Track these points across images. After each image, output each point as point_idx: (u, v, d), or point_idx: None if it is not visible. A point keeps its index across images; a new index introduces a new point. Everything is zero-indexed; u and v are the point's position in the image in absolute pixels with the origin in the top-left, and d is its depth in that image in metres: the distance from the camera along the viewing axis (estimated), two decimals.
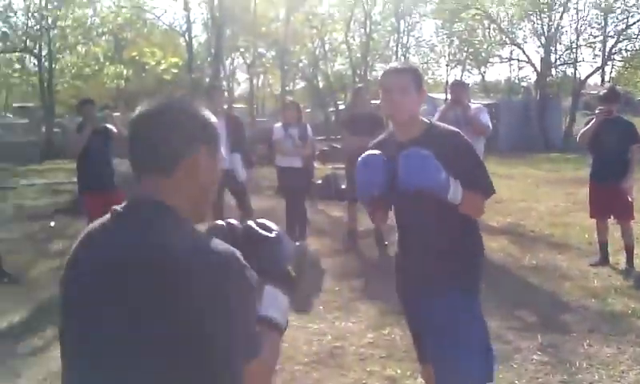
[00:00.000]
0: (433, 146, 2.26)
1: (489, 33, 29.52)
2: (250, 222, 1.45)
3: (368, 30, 31.73)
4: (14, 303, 5.13)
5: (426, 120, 2.49)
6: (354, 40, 33.96)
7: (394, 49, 35.33)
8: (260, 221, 1.48)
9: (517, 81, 37.71)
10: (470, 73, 37.66)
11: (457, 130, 2.50)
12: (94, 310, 1.16)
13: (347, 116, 7.90)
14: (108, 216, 1.27)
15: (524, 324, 4.39)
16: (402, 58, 35.47)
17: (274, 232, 1.46)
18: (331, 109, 36.36)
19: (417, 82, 2.41)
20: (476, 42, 30.20)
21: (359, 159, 2.40)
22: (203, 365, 1.11)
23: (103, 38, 22.93)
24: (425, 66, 39.16)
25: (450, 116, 6.21)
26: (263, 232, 1.45)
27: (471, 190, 2.32)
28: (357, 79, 32.26)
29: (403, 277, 2.60)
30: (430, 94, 38.29)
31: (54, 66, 21.11)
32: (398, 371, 3.66)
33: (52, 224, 8.63)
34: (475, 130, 6.11)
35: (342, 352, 3.97)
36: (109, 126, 6.23)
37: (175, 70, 19.88)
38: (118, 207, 1.26)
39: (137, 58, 20.30)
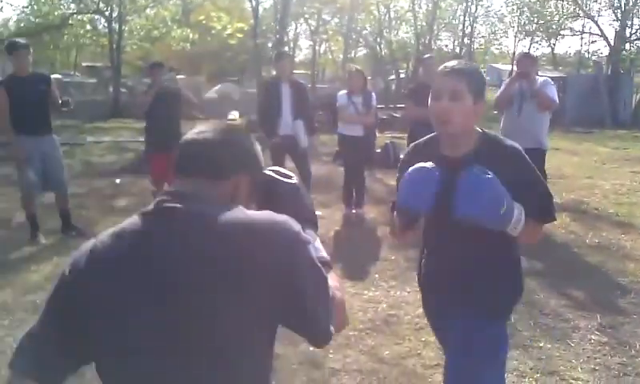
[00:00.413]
0: (490, 163, 1.94)
1: (562, 5, 28.36)
2: (270, 172, 1.56)
3: None
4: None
5: (478, 130, 2.12)
6: (420, 8, 33.28)
7: (462, 18, 34.45)
8: (275, 168, 1.59)
9: (587, 55, 36.23)
10: (539, 45, 36.42)
11: (515, 144, 2.13)
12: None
13: (412, 85, 7.81)
14: (136, 219, 1.33)
15: (584, 303, 4.31)
16: (470, 27, 34.61)
17: (294, 177, 1.57)
18: (392, 77, 35.95)
19: (475, 87, 2.02)
20: (547, 13, 29.09)
21: (410, 169, 2.05)
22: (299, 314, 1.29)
23: (171, 1, 23.27)
24: (492, 36, 38.15)
25: (514, 88, 6.08)
26: (287, 180, 1.55)
27: (532, 215, 2.02)
28: (421, 48, 31.70)
29: (429, 296, 2.41)
30: (494, 65, 37.25)
31: (123, 27, 21.61)
32: None
33: (117, 181, 8.95)
34: (541, 104, 5.95)
35: (396, 320, 4.01)
36: (179, 88, 6.37)
37: (240, 35, 20.02)
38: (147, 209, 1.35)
39: (203, 21, 20.54)
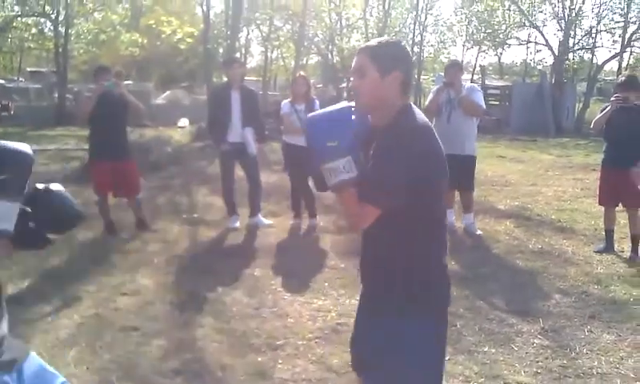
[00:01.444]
0: (393, 136, 1.97)
1: (509, 14, 29.20)
2: None
3: (386, 6, 31.42)
4: (23, 269, 5.16)
5: (404, 104, 2.08)
6: (372, 16, 33.68)
7: (412, 27, 34.99)
8: None
9: (533, 63, 37.39)
10: (486, 53, 37.38)
11: (419, 127, 2.03)
12: None
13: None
14: None
15: (527, 308, 4.42)
16: (419, 36, 35.18)
17: None
18: (343, 85, 36.18)
19: (381, 61, 2.02)
20: (495, 22, 29.90)
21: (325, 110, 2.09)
22: None
23: (120, 5, 22.87)
24: (441, 45, 38.93)
25: (442, 97, 6.29)
26: None
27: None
28: None
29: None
30: (442, 74, 38.09)
31: (70, 31, 21.10)
32: None
33: None
34: (466, 110, 6.15)
35: (346, 329, 4.00)
36: (124, 93, 6.18)
37: (190, 40, 19.83)
38: None
39: (153, 26, 20.25)
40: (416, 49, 36.00)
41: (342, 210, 2.13)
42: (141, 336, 3.87)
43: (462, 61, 32.93)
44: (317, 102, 6.75)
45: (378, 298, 2.12)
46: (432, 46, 39.06)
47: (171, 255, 5.61)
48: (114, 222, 6.36)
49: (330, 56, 35.51)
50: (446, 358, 3.56)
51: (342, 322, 4.13)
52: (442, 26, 37.62)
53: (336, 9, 30.88)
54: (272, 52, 35.58)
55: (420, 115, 2.07)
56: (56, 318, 4.17)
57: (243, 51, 30.02)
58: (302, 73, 7.73)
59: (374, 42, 2.14)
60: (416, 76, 37.51)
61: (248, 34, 33.32)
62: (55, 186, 1.96)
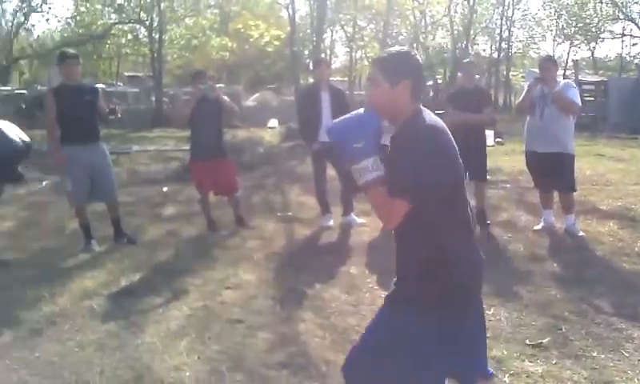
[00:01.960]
0: (403, 141, 2.15)
1: (600, 7, 27.87)
2: None
3: (472, 2, 30.78)
4: (134, 263, 5.51)
5: (416, 110, 2.22)
6: (457, 13, 33.10)
7: (498, 22, 34.14)
8: None
9: (629, 58, 35.44)
10: (579, 48, 35.81)
11: (424, 128, 2.16)
12: None
13: (452, 91, 7.77)
14: None
15: (636, 312, 4.23)
16: (507, 31, 34.24)
17: None
18: (429, 83, 35.74)
19: (388, 72, 2.20)
20: (586, 16, 28.61)
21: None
22: None
23: (209, 10, 23.65)
24: (530, 40, 37.68)
25: (536, 92, 6.10)
26: None
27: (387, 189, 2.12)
28: (457, 53, 31.47)
29: None
30: (534, 69, 36.96)
31: (163, 37, 22.04)
32: (505, 352, 3.65)
33: (165, 189, 9.14)
34: (560, 107, 5.92)
35: None
36: (220, 96, 6.41)
37: (277, 43, 20.23)
38: None
39: (241, 30, 20.83)
40: (504, 45, 35.09)
41: (374, 207, 2.23)
42: (246, 329, 4.02)
43: (554, 56, 31.78)
44: None
45: (396, 288, 2.34)
46: (520, 41, 37.91)
47: (269, 252, 5.78)
48: (215, 220, 6.62)
49: None
50: (543, 362, 3.51)
51: None
52: (530, 20, 36.35)
53: (420, 7, 30.55)
54: (356, 52, 35.70)
55: (430, 117, 2.20)
56: (166, 309, 4.39)
57: (328, 52, 30.30)
58: None
59: (384, 53, 2.34)
60: (504, 72, 36.58)
61: (332, 34, 33.65)
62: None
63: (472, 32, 32.55)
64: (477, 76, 8.31)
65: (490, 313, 4.26)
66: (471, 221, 2.29)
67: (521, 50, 37.82)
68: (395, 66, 2.23)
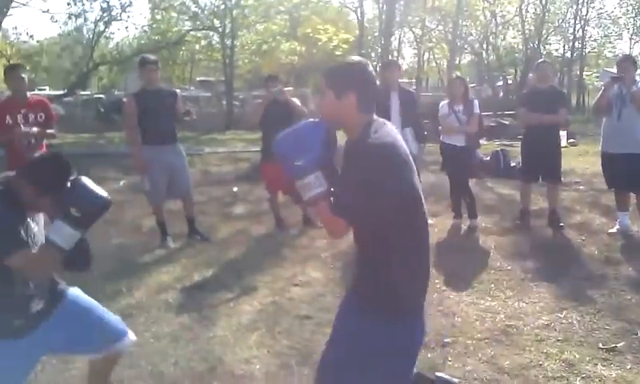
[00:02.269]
0: (350, 157, 2.18)
1: None
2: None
3: (544, 1, 29.92)
4: (206, 259, 5.69)
5: (367, 125, 2.18)
6: (528, 12, 32.25)
7: (572, 21, 33.00)
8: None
9: None
10: None
11: (374, 144, 2.11)
12: None
13: (526, 91, 7.60)
14: None
15: None
16: (581, 30, 33.06)
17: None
18: (499, 83, 34.97)
19: (334, 84, 2.20)
20: None
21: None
22: None
23: (279, 16, 24.03)
24: (605, 39, 36.21)
25: (613, 92, 5.91)
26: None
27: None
28: (529, 53, 30.65)
29: None
30: (609, 69, 35.82)
31: (235, 42, 22.56)
32: (577, 356, 3.56)
33: (235, 189, 9.38)
34: (638, 106, 5.69)
35: (515, 331, 3.95)
36: (289, 99, 6.53)
37: (345, 46, 20.33)
38: None
39: (310, 34, 21.06)
40: (577, 44, 33.89)
41: (320, 221, 2.26)
42: (315, 325, 4.09)
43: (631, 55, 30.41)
44: (476, 102, 6.66)
45: (352, 290, 2.38)
46: (595, 40, 36.44)
47: (337, 251, 5.83)
48: (284, 219, 6.75)
49: (484, 54, 34.54)
50: (617, 366, 3.39)
51: (511, 324, 4.06)
52: (605, 18, 34.88)
53: (490, 7, 29.96)
54: (424, 53, 35.38)
55: (380, 133, 2.15)
56: (237, 304, 4.53)
57: (396, 54, 30.15)
58: (458, 74, 7.66)
59: (333, 65, 2.39)
60: (577, 72, 35.31)
61: (400, 36, 33.47)
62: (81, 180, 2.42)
63: (544, 31, 31.62)
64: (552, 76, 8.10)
65: (562, 316, 4.17)
66: (424, 237, 2.28)
67: (595, 50, 36.39)
68: (341, 78, 2.23)
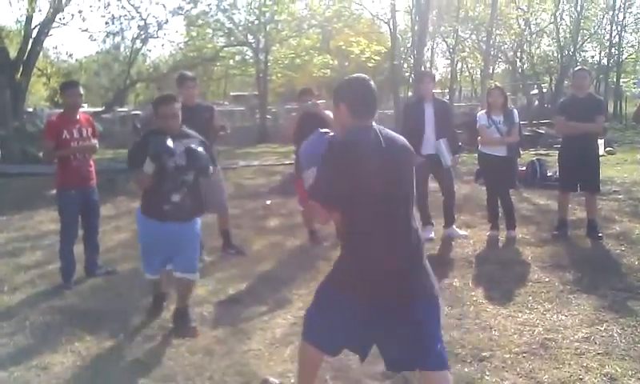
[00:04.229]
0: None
1: None
2: None
3: (579, 7, 29.45)
4: (241, 272, 5.72)
5: (351, 127, 2.70)
6: (563, 19, 31.79)
7: (608, 27, 32.37)
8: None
9: None
10: None
11: (344, 143, 2.63)
12: None
13: (563, 99, 7.47)
14: None
15: None
16: (617, 36, 32.40)
17: None
18: (534, 92, 34.46)
19: (334, 98, 2.78)
20: None
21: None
22: None
23: (310, 30, 24.19)
24: None
25: None
26: None
27: None
28: (564, 61, 30.17)
29: None
30: None
31: (269, 57, 22.76)
32: (618, 370, 3.47)
33: (268, 202, 9.42)
34: None
35: (554, 345, 3.86)
36: (322, 112, 6.54)
37: (377, 58, 20.32)
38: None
39: (342, 47, 21.11)
40: (614, 50, 33.22)
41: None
42: None
43: None
44: (515, 112, 6.57)
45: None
46: (632, 46, 35.64)
47: None
48: (317, 232, 6.75)
49: (518, 63, 34.13)
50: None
51: (550, 337, 3.98)
52: None
53: (525, 15, 29.61)
54: (457, 63, 35.14)
55: (356, 133, 2.64)
56: (271, 317, 4.54)
57: (428, 64, 30.03)
58: (497, 84, 7.59)
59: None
60: (614, 79, 34.58)
61: (433, 46, 33.32)
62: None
63: (579, 38, 31.11)
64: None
65: (602, 328, 4.07)
66: (396, 232, 2.66)
67: (633, 56, 35.58)
68: (336, 92, 2.80)
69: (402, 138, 2.82)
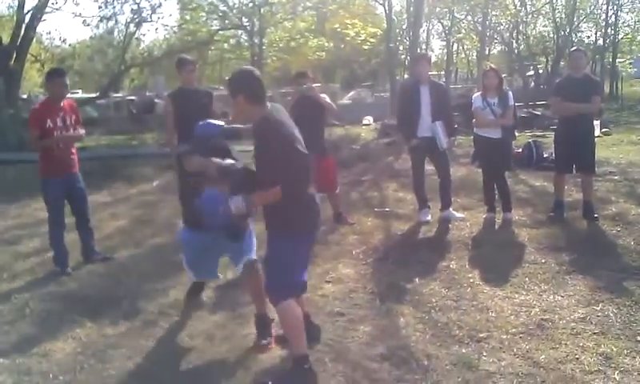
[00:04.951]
0: (256, 139, 3.29)
1: None
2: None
3: None
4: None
5: (262, 116, 3.20)
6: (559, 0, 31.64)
7: (604, 7, 32.23)
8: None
9: None
10: None
11: (276, 121, 3.20)
12: None
13: (559, 80, 7.46)
14: None
15: None
16: (614, 16, 32.30)
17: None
18: (530, 73, 34.38)
19: (230, 90, 3.21)
20: None
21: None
22: None
23: (307, 12, 23.99)
24: (639, 23, 35.30)
25: None
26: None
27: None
28: (560, 41, 30.09)
29: None
30: None
31: (263, 40, 22.59)
32: (614, 349, 3.51)
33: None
34: None
35: (551, 325, 3.90)
36: (318, 95, 6.52)
37: (373, 40, 20.21)
38: None
39: (338, 29, 20.97)
40: (610, 30, 33.11)
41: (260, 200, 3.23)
42: (347, 322, 4.11)
43: None
44: (510, 94, 6.57)
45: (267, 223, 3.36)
46: (628, 26, 35.53)
47: (368, 247, 5.84)
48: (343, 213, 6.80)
49: (514, 44, 34.03)
50: None
51: (546, 317, 4.02)
52: (639, 3, 33.95)
53: None
54: (453, 45, 35.01)
55: (277, 117, 3.21)
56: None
57: (424, 46, 29.94)
58: (492, 65, 7.54)
59: (230, 74, 3.47)
60: (611, 60, 34.52)
61: (428, 27, 33.17)
62: None
63: (575, 19, 30.99)
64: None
65: (598, 309, 4.13)
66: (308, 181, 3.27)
67: (629, 35, 35.47)
68: (232, 84, 3.21)
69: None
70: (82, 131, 5.72)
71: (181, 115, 5.89)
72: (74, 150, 5.70)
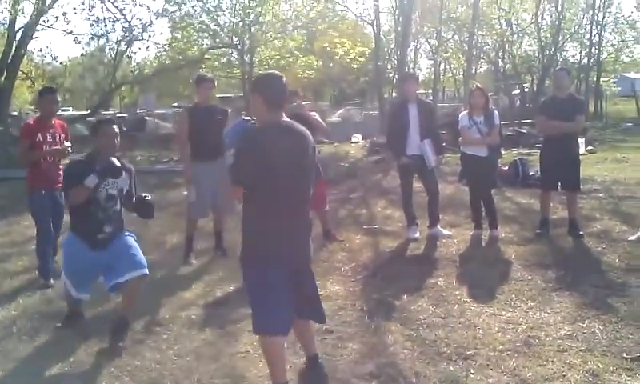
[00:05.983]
0: None
1: None
2: None
3: (560, 7, 29.74)
4: (228, 275, 5.68)
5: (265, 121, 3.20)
6: (544, 19, 32.06)
7: (588, 27, 32.65)
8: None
9: None
10: None
11: (251, 133, 3.51)
12: None
13: (544, 99, 7.58)
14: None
15: None
16: (597, 36, 32.76)
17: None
18: (516, 92, 34.70)
19: (251, 87, 3.33)
20: None
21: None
22: None
23: (295, 31, 24.16)
24: (622, 43, 35.81)
25: None
26: None
27: None
28: (545, 61, 30.44)
29: None
30: (627, 74, 35.44)
31: (254, 58, 22.70)
32: (600, 366, 3.55)
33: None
34: None
35: (538, 342, 3.94)
36: (307, 113, 6.58)
37: (361, 59, 20.37)
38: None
39: (327, 48, 21.12)
40: (594, 50, 33.57)
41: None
42: (336, 339, 4.12)
43: None
44: (496, 113, 6.66)
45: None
46: (612, 45, 36.01)
47: (356, 264, 5.87)
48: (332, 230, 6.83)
49: (500, 63, 34.40)
50: None
51: (533, 334, 4.05)
52: (622, 23, 34.44)
53: (506, 15, 29.86)
54: (440, 64, 35.28)
55: (271, 130, 3.10)
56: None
57: (412, 65, 30.15)
58: (478, 85, 7.62)
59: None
60: (595, 79, 34.96)
61: (416, 46, 33.43)
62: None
63: (560, 38, 31.39)
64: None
65: (584, 325, 4.16)
66: (290, 211, 3.14)
67: (612, 55, 35.96)
68: (255, 82, 3.33)
69: (303, 129, 3.25)
70: (67, 143, 5.78)
71: (195, 130, 6.00)
72: (60, 167, 5.72)
